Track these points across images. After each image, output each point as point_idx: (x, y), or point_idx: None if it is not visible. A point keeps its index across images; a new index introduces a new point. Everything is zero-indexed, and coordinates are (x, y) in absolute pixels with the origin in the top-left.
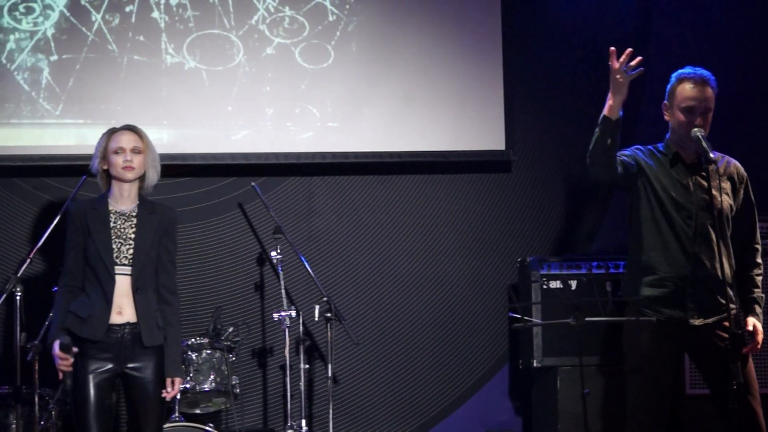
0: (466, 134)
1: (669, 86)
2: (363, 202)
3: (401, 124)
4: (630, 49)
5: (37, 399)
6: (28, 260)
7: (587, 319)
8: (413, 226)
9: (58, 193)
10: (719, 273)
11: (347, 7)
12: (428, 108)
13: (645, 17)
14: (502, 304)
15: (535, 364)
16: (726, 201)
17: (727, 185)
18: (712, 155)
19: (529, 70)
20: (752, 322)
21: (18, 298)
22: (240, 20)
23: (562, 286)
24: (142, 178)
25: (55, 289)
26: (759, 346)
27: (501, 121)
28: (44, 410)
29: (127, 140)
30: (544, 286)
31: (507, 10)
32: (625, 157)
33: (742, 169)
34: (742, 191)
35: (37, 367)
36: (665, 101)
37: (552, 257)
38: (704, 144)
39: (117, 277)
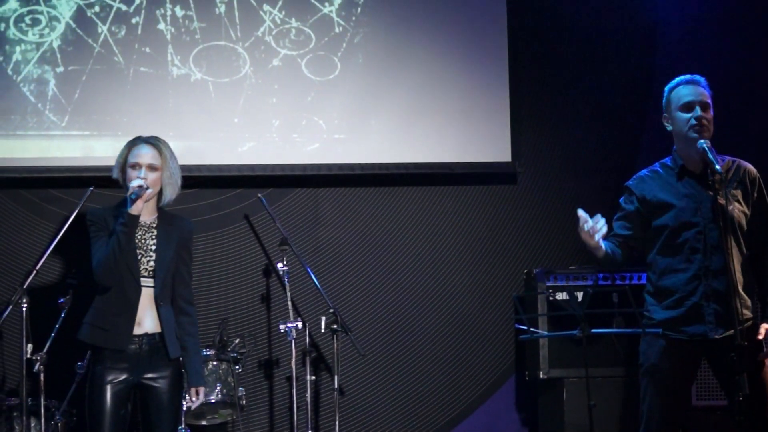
0: (472, 146)
1: (664, 99)
2: (369, 213)
3: (407, 135)
4: (590, 224)
5: (43, 410)
6: (34, 272)
7: (593, 330)
8: (419, 238)
9: (65, 204)
10: (734, 284)
11: (354, 18)
12: (434, 120)
13: (651, 32)
14: (508, 316)
15: (541, 376)
16: (737, 209)
17: (738, 192)
18: (718, 166)
19: (535, 82)
20: (765, 328)
21: (24, 309)
22: (246, 32)
23: (568, 298)
24: (160, 191)
25: (62, 300)
26: None
27: (507, 132)
28: (50, 422)
29: (144, 156)
30: (551, 298)
31: (513, 22)
32: (627, 223)
33: (753, 171)
34: (755, 194)
35: (42, 379)
36: (664, 114)
37: (558, 269)
38: (710, 156)
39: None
